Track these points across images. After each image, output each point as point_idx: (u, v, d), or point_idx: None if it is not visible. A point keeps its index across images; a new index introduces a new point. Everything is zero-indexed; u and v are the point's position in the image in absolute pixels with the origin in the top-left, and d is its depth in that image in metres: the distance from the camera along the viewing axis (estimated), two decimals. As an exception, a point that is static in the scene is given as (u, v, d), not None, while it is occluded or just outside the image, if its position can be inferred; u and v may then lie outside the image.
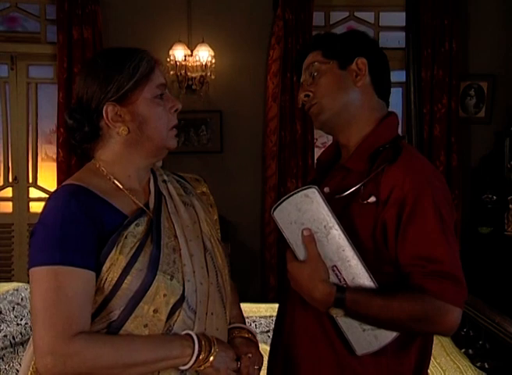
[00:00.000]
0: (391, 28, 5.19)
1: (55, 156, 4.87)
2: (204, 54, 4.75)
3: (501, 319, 3.23)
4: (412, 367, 1.34)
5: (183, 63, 4.77)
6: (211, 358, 1.22)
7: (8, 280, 4.32)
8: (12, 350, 2.65)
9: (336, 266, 1.24)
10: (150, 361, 1.18)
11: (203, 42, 4.77)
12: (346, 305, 1.22)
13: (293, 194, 1.25)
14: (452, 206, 1.33)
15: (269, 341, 2.99)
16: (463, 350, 3.07)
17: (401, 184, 1.27)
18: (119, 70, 1.26)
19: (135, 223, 1.24)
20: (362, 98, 1.41)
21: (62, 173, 4.72)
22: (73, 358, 1.12)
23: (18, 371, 2.48)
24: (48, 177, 5.00)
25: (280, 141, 4.95)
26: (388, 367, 1.31)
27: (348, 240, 1.24)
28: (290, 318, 1.43)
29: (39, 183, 5.03)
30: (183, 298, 1.23)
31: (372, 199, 1.28)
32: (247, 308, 3.57)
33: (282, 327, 1.47)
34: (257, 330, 3.21)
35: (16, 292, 3.02)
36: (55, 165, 4.84)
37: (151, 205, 1.30)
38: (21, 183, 5.01)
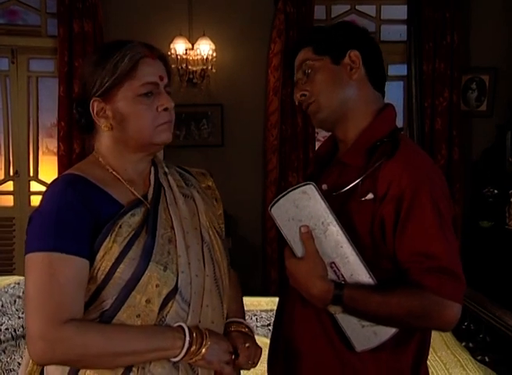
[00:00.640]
0: (392, 21, 5.16)
1: (55, 150, 4.87)
2: (204, 47, 4.74)
3: (502, 313, 3.24)
4: (411, 362, 1.35)
5: (184, 57, 4.76)
6: (203, 351, 1.22)
7: (10, 273, 4.32)
8: (13, 343, 2.65)
9: (334, 262, 1.24)
10: (140, 351, 1.18)
11: (204, 35, 4.76)
12: (345, 301, 1.22)
13: (290, 191, 1.25)
14: (450, 200, 1.33)
15: (270, 334, 3.01)
16: (463, 343, 3.08)
17: (398, 180, 1.26)
18: (103, 66, 1.26)
19: (131, 212, 1.25)
20: (358, 91, 1.40)
21: (63, 167, 4.71)
22: (62, 344, 1.13)
23: (20, 364, 2.49)
24: (48, 171, 5.00)
25: (281, 134, 4.94)
26: (387, 363, 1.32)
27: (346, 236, 1.24)
28: (289, 314, 1.43)
29: (40, 176, 5.03)
30: (176, 289, 1.23)
31: (370, 196, 1.28)
32: (248, 301, 3.57)
33: (281, 323, 1.47)
34: (258, 324, 3.21)
35: (17, 286, 3.03)
36: (55, 158, 4.84)
37: (150, 196, 1.31)
38: (22, 176, 5.01)
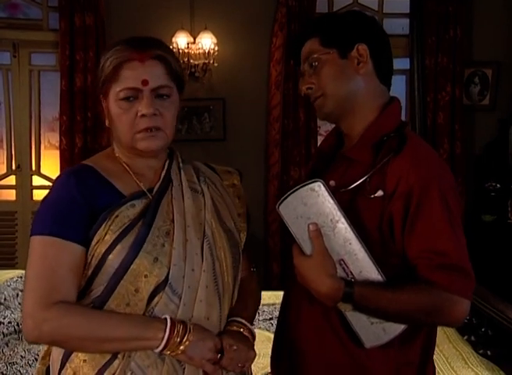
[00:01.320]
0: (395, 15, 5.14)
1: (57, 144, 4.86)
2: (206, 41, 4.73)
3: (504, 307, 3.23)
4: (418, 357, 1.35)
5: (186, 51, 4.74)
6: (183, 346, 1.22)
7: (12, 267, 4.33)
8: (16, 336, 2.67)
9: (343, 259, 1.24)
10: (121, 338, 1.21)
11: (205, 29, 4.74)
12: (355, 299, 1.21)
13: (298, 189, 1.24)
14: (457, 194, 1.32)
15: (272, 328, 3.02)
16: (465, 337, 3.08)
17: (406, 176, 1.25)
18: (100, 66, 1.32)
19: (130, 203, 1.27)
20: (365, 85, 1.38)
21: (65, 161, 4.71)
22: (48, 324, 1.19)
23: (22, 357, 2.50)
24: (51, 165, 5.00)
25: (283, 128, 4.93)
26: (395, 358, 1.32)
27: (355, 233, 1.23)
28: (296, 311, 1.42)
29: (42, 171, 5.03)
30: (166, 281, 1.24)
31: (380, 193, 1.27)
32: (250, 295, 3.57)
33: (287, 320, 1.47)
34: (260, 318, 3.22)
35: (19, 279, 3.03)
36: (57, 153, 4.83)
37: (155, 189, 1.33)
38: (24, 171, 5.01)
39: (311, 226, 1.23)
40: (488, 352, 2.92)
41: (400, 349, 1.31)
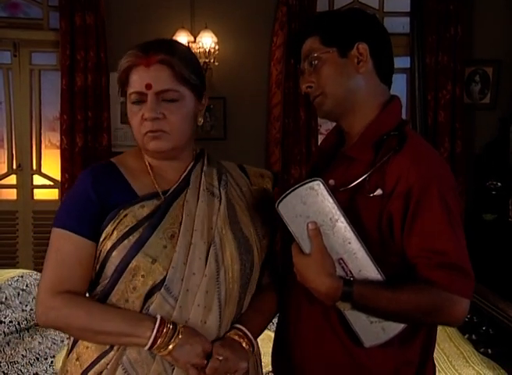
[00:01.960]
0: (395, 13, 5.13)
1: (58, 143, 4.86)
2: (207, 40, 4.72)
3: (505, 305, 3.24)
4: (418, 356, 1.35)
5: (187, 50, 4.73)
6: (170, 347, 1.23)
7: (13, 267, 4.34)
8: (17, 335, 2.67)
9: (342, 258, 1.24)
10: (114, 333, 1.26)
11: (206, 28, 4.74)
12: (354, 298, 1.21)
13: (297, 187, 1.24)
14: (457, 193, 1.32)
15: (272, 327, 3.01)
16: (466, 336, 3.08)
17: (406, 175, 1.25)
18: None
19: (140, 204, 1.31)
20: (365, 84, 1.38)
21: (66, 160, 4.72)
22: (52, 312, 1.28)
23: (23, 356, 2.51)
24: (51, 164, 5.00)
25: (284, 127, 4.93)
26: (394, 358, 1.32)
27: (354, 232, 1.23)
28: (295, 310, 1.42)
29: (43, 170, 5.03)
30: (163, 282, 1.26)
31: (379, 192, 1.27)
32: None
33: (287, 319, 1.47)
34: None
35: (20, 279, 3.04)
36: (58, 152, 4.83)
37: (170, 192, 1.34)
38: (25, 170, 5.01)
39: (310, 225, 1.23)
40: (489, 351, 2.92)
41: (399, 348, 1.31)
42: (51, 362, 2.52)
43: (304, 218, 1.24)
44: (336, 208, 1.23)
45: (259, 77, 4.98)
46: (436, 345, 2.38)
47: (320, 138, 4.99)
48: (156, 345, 1.23)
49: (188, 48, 1.45)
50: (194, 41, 4.76)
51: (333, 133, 1.52)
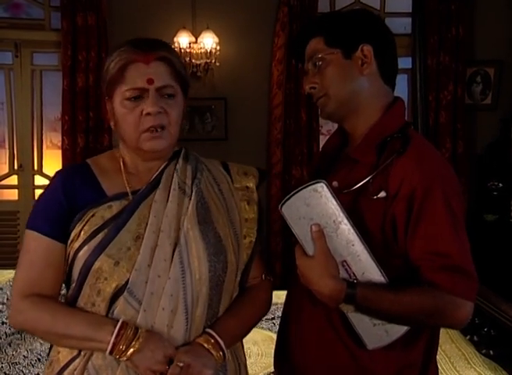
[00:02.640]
0: (397, 14, 5.13)
1: (59, 144, 4.87)
2: (208, 41, 4.73)
3: (506, 307, 3.24)
4: (420, 359, 1.35)
5: (188, 50, 4.74)
6: (130, 352, 1.20)
7: (15, 267, 4.34)
8: (19, 336, 2.67)
9: (345, 260, 1.23)
10: (78, 337, 1.24)
11: (207, 29, 4.74)
12: (357, 300, 1.21)
13: (301, 189, 1.23)
14: (461, 195, 1.32)
15: (274, 328, 3.02)
16: (468, 337, 3.08)
17: (410, 177, 1.25)
18: (104, 68, 1.34)
19: (107, 204, 1.29)
20: (369, 86, 1.38)
21: (67, 161, 4.72)
22: (20, 315, 1.28)
23: (25, 357, 2.51)
24: (53, 165, 5.00)
25: (285, 128, 4.93)
26: (397, 360, 1.32)
27: (357, 234, 1.23)
28: (298, 311, 1.42)
29: (44, 170, 5.03)
30: (126, 285, 1.24)
31: (382, 194, 1.27)
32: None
33: (289, 320, 1.47)
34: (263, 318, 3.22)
35: (22, 279, 3.03)
36: (59, 152, 4.84)
37: (139, 192, 1.33)
38: (26, 170, 5.01)
39: (313, 227, 1.23)
40: (491, 352, 2.92)
41: (402, 351, 1.31)
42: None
43: (308, 220, 1.23)
44: (339, 210, 1.22)
45: (260, 78, 4.98)
46: (438, 347, 2.38)
47: (321, 139, 5.00)
48: (116, 350, 1.20)
49: None
50: (196, 42, 4.76)
51: (336, 134, 1.51)
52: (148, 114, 1.28)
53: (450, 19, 4.86)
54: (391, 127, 1.35)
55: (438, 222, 1.24)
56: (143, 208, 1.30)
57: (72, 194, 1.30)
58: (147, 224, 1.28)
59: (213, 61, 4.77)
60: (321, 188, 1.23)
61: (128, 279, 1.24)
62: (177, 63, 1.33)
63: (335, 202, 1.22)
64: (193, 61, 4.78)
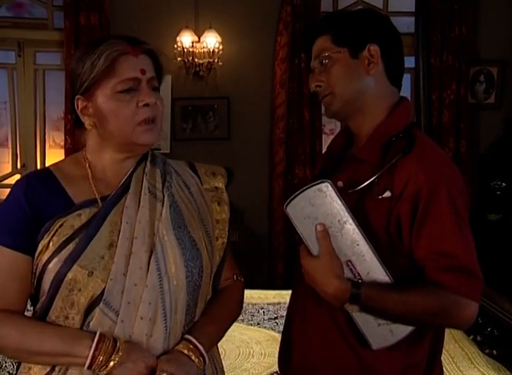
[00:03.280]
0: (400, 13, 5.13)
1: (62, 143, 4.88)
2: (211, 40, 4.73)
3: (510, 306, 3.23)
4: (425, 359, 1.34)
5: (191, 50, 4.75)
6: (110, 365, 1.16)
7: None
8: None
9: (350, 260, 1.23)
10: (52, 353, 1.18)
11: (210, 28, 4.75)
12: (362, 300, 1.20)
13: (306, 189, 1.23)
14: (466, 195, 1.31)
15: (277, 327, 3.02)
16: (471, 337, 3.07)
17: (415, 177, 1.25)
18: (83, 64, 1.25)
19: (76, 213, 1.23)
20: (375, 86, 1.37)
21: (70, 160, 4.72)
22: None
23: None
24: (55, 164, 5.01)
25: (288, 127, 4.93)
26: (402, 360, 1.31)
27: (362, 234, 1.22)
28: (302, 311, 1.42)
29: (47, 170, 5.03)
30: (102, 295, 1.19)
31: (387, 194, 1.26)
32: (255, 294, 3.59)
33: (294, 320, 1.46)
34: (265, 317, 3.23)
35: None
36: (62, 152, 4.85)
37: (109, 198, 1.27)
38: (29, 169, 5.00)
39: (318, 227, 1.22)
40: (494, 352, 2.91)
41: (407, 351, 1.30)
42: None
43: (313, 220, 1.23)
44: (344, 210, 1.22)
45: (263, 77, 4.98)
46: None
47: (324, 138, 5.00)
48: (95, 364, 1.16)
49: None
50: (198, 41, 4.77)
51: (341, 134, 1.51)
52: (146, 105, 1.25)
53: (453, 19, 4.86)
54: (396, 127, 1.35)
55: (443, 222, 1.23)
56: (114, 214, 1.25)
57: (37, 204, 1.23)
58: (119, 231, 1.23)
59: (216, 60, 4.77)
60: (326, 188, 1.22)
61: (103, 289, 1.19)
62: (158, 58, 1.33)
63: (340, 202, 1.22)
64: (196, 60, 4.78)
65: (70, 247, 1.20)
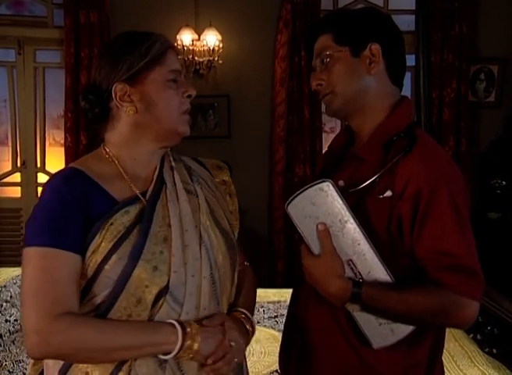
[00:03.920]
0: (400, 11, 5.11)
1: (62, 141, 4.88)
2: (211, 38, 4.73)
3: (510, 305, 3.23)
4: (426, 359, 1.34)
5: (191, 48, 4.74)
6: (195, 347, 1.19)
7: (18, 264, 4.33)
8: (22, 334, 2.67)
9: (351, 260, 1.23)
10: (133, 346, 1.18)
11: (210, 26, 4.74)
12: (363, 300, 1.21)
13: (307, 189, 1.23)
14: (467, 195, 1.31)
15: (277, 326, 3.02)
16: (471, 335, 3.07)
17: (416, 177, 1.25)
18: (131, 51, 1.27)
19: (124, 210, 1.23)
20: (376, 85, 1.37)
21: (70, 158, 4.72)
22: (57, 337, 1.14)
23: (28, 355, 2.50)
24: (55, 162, 5.01)
25: (288, 125, 4.93)
26: (403, 359, 1.31)
27: (363, 233, 1.22)
28: (304, 310, 1.42)
29: (47, 168, 5.04)
30: (167, 289, 1.20)
31: (388, 193, 1.27)
32: (255, 293, 3.59)
33: (295, 319, 1.46)
34: (265, 316, 3.22)
35: (25, 277, 3.03)
36: (62, 150, 4.85)
37: (149, 193, 1.28)
38: (29, 168, 5.02)
39: (319, 226, 1.22)
40: (494, 351, 2.91)
41: (407, 350, 1.30)
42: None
43: (314, 219, 1.23)
44: (345, 209, 1.22)
45: (263, 75, 4.97)
46: (442, 346, 2.38)
47: (324, 136, 4.99)
48: (183, 349, 1.19)
49: None
50: (198, 39, 4.76)
51: (342, 133, 1.51)
52: (189, 96, 1.31)
53: (454, 17, 4.85)
54: (397, 126, 1.35)
55: (444, 221, 1.24)
56: (159, 209, 1.26)
57: (85, 204, 1.21)
58: (169, 225, 1.25)
59: (216, 58, 4.77)
60: (327, 187, 1.22)
61: (167, 283, 1.20)
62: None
63: (341, 201, 1.22)
64: (196, 58, 4.78)
65: (127, 244, 1.20)
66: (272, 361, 2.51)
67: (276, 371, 2.39)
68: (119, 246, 1.19)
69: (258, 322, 3.12)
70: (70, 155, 4.73)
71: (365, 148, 1.37)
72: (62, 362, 1.23)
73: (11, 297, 2.85)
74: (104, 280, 1.19)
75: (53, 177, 1.27)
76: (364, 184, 1.29)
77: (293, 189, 1.26)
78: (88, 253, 1.19)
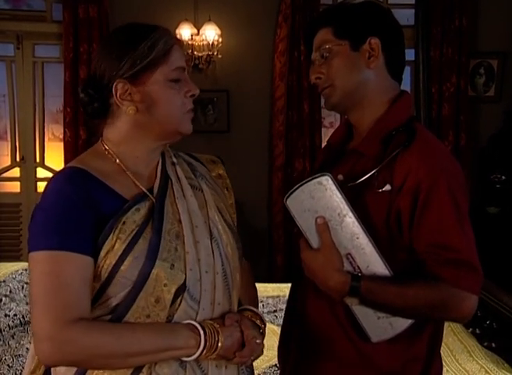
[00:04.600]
0: (400, 5, 5.10)
1: (61, 136, 4.87)
2: (210, 33, 4.71)
3: (509, 299, 3.23)
4: (424, 352, 1.35)
5: (190, 42, 4.73)
6: (219, 346, 1.18)
7: (17, 259, 4.34)
8: (22, 329, 2.68)
9: (350, 253, 1.23)
10: (151, 351, 1.14)
11: (209, 21, 4.72)
12: (362, 293, 1.21)
13: (306, 182, 1.23)
14: (466, 189, 1.31)
15: (276, 320, 3.02)
16: (470, 330, 3.08)
17: (415, 171, 1.25)
18: (134, 48, 1.22)
19: (135, 208, 1.20)
20: (375, 79, 1.37)
21: (69, 153, 4.72)
22: (71, 344, 1.10)
23: (28, 349, 2.51)
24: (55, 157, 5.01)
25: (287, 120, 4.92)
26: (401, 353, 1.32)
27: (362, 227, 1.23)
28: (302, 304, 1.42)
29: (46, 163, 5.04)
30: (184, 287, 1.18)
31: (387, 187, 1.26)
32: (255, 287, 3.59)
33: (294, 313, 1.47)
34: (265, 310, 3.23)
35: (25, 272, 3.04)
36: (61, 145, 4.85)
37: (156, 190, 1.25)
38: (28, 163, 5.01)
39: (318, 220, 1.22)
40: (493, 345, 2.91)
41: (406, 344, 1.31)
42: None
43: (313, 213, 1.23)
44: (344, 203, 1.22)
45: (263, 70, 4.96)
46: (441, 340, 2.38)
47: (324, 131, 4.99)
48: (206, 349, 1.17)
49: None
50: (198, 34, 4.75)
51: (341, 128, 1.51)
52: (193, 95, 1.27)
53: (453, 11, 4.84)
54: (397, 121, 1.35)
55: (443, 215, 1.24)
56: (168, 205, 1.24)
57: (95, 203, 1.16)
58: (179, 221, 1.23)
59: (215, 53, 4.76)
60: (326, 181, 1.22)
61: (184, 281, 1.18)
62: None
63: (340, 195, 1.22)
64: (196, 53, 4.76)
65: (142, 242, 1.16)
66: (272, 355, 2.51)
67: (275, 365, 2.40)
68: (133, 245, 1.15)
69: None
70: (69, 149, 4.73)
71: (364, 143, 1.37)
72: (75, 369, 1.19)
73: (10, 291, 2.85)
74: (120, 280, 1.15)
75: (53, 179, 1.21)
76: (363, 178, 1.29)
77: (293, 183, 1.25)
78: (102, 254, 1.15)
